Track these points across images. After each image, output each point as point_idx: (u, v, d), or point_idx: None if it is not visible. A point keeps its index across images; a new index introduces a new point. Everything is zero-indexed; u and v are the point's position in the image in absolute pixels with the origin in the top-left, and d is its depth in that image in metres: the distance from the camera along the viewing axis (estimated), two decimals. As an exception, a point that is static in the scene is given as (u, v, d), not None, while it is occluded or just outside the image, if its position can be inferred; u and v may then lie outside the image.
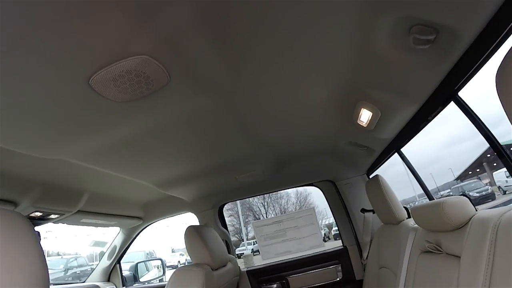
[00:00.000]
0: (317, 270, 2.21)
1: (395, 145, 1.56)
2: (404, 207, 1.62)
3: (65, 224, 1.90)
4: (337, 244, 2.38)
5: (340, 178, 2.23)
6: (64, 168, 1.32)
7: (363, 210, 2.08)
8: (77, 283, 2.63)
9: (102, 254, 2.68)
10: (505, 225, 0.75)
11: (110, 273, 2.61)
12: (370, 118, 1.23)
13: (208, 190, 2.15)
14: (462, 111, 1.00)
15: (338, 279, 2.16)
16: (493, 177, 11.71)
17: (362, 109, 1.21)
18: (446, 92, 0.99)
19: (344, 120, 1.40)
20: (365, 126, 1.31)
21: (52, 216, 1.61)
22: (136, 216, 2.38)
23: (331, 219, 12.94)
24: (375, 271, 1.77)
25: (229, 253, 2.13)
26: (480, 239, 0.80)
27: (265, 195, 19.43)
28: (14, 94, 0.75)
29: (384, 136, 1.42)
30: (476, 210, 0.95)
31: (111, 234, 2.67)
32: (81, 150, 1.14)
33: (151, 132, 1.15)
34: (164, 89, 0.87)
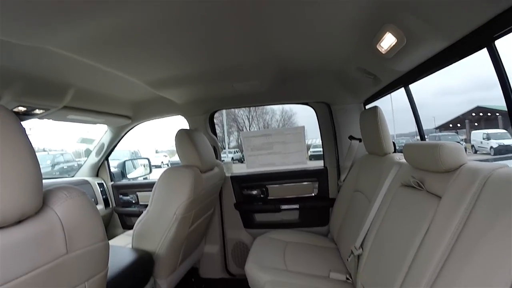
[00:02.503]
0: (295, 183, 2.37)
1: (405, 79, 1.49)
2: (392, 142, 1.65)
3: (51, 120, 1.84)
4: (312, 164, 2.52)
5: (337, 102, 2.21)
6: (48, 60, 1.19)
7: (351, 137, 2.14)
8: (67, 177, 2.71)
9: (88, 151, 2.72)
10: (494, 180, 0.76)
11: (99, 169, 2.71)
12: (392, 45, 1.13)
13: (202, 94, 2.08)
14: (492, 62, 0.92)
15: (313, 194, 2.34)
16: (470, 136, 12.12)
17: (387, 33, 1.09)
18: (485, 36, 0.89)
19: (363, 42, 1.29)
20: (383, 53, 1.21)
21: (37, 111, 1.54)
22: (124, 115, 2.34)
23: (310, 141, 13.62)
24: (349, 193, 1.90)
25: (216, 158, 2.20)
26: (466, 186, 0.82)
27: (250, 108, 19.70)
28: None
29: (398, 68, 1.34)
30: None
31: (97, 133, 2.67)
32: (66, 36, 0.99)
33: (147, 22, 0.99)
34: None
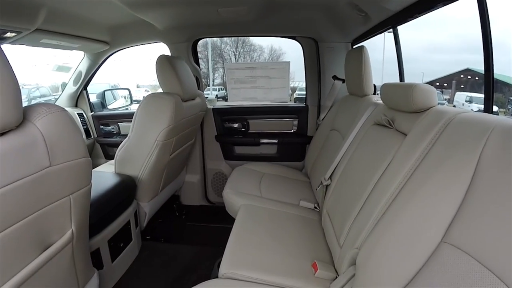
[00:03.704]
0: (276, 119, 2.42)
1: (395, 20, 1.45)
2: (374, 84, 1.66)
3: (24, 45, 1.73)
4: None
5: (325, 39, 2.16)
6: None
7: (335, 77, 2.14)
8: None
9: (65, 85, 2.59)
10: (456, 123, 0.79)
11: (77, 99, 2.62)
12: None
13: (185, 19, 1.95)
14: (479, 11, 0.91)
15: (292, 131, 2.42)
16: (454, 96, 12.11)
17: None
18: None
19: None
20: None
21: (9, 34, 1.44)
22: (102, 40, 2.19)
23: (296, 84, 13.38)
24: (326, 132, 1.97)
25: (198, 89, 2.18)
26: (430, 127, 0.85)
27: (238, 44, 18.64)
28: None
29: (390, 6, 1.29)
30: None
31: (74, 62, 2.51)
32: None
33: None
34: None
